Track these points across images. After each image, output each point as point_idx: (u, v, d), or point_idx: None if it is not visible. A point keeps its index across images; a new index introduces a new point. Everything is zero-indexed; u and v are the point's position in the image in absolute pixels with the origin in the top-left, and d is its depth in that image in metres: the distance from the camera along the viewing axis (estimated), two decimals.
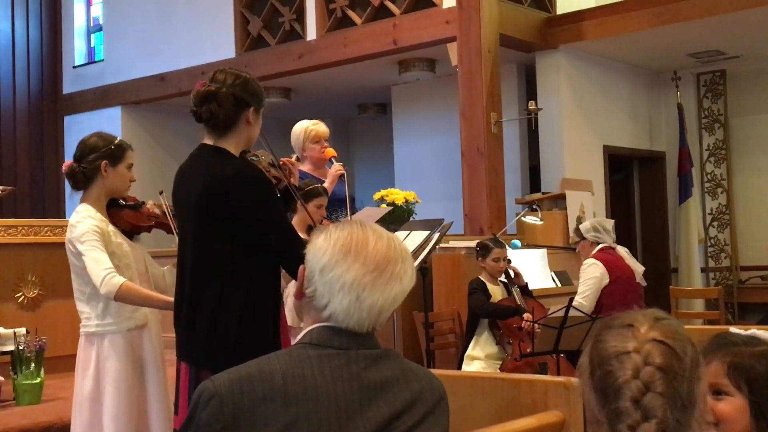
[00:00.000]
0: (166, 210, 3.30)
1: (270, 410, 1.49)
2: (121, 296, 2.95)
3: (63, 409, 3.88)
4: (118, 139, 3.24)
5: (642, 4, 7.43)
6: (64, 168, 3.21)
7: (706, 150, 8.95)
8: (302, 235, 3.06)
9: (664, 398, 1.34)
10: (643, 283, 5.48)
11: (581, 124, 8.23)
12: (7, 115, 10.65)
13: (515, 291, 5.03)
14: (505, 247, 5.19)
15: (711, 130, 8.95)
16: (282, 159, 3.02)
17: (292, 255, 2.54)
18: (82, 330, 3.13)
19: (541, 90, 8.04)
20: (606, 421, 1.37)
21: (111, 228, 3.13)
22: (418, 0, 7.89)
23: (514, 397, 2.12)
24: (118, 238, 3.13)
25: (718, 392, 1.70)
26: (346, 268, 1.57)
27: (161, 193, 3.34)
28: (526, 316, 4.80)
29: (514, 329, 4.85)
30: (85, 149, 3.17)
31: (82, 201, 3.19)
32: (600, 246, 5.37)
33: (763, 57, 8.47)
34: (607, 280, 5.22)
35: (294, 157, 4.58)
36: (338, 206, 4.56)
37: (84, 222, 3.05)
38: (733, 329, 1.91)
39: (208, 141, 2.71)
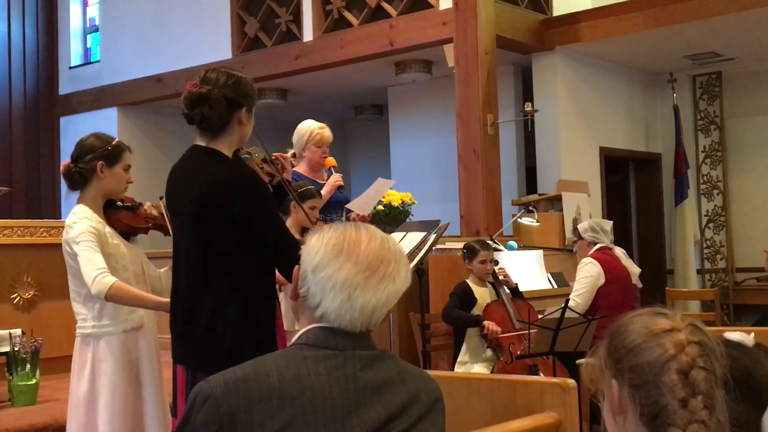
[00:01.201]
0: (163, 211, 3.29)
1: (266, 411, 1.49)
2: (112, 296, 2.92)
3: (58, 410, 3.87)
4: (116, 140, 3.22)
5: (638, 6, 7.45)
6: (61, 168, 3.20)
7: (702, 152, 8.96)
8: (296, 237, 3.05)
9: (708, 374, 1.34)
10: (639, 285, 5.48)
11: (577, 126, 8.24)
12: (3, 116, 10.64)
13: (503, 292, 5.01)
14: (492, 249, 5.15)
15: (707, 131, 8.96)
16: (275, 154, 3.01)
17: (287, 256, 2.53)
18: (78, 331, 3.11)
19: (538, 92, 8.05)
20: (640, 405, 1.33)
21: (108, 229, 3.11)
22: (414, 1, 7.89)
23: (510, 398, 2.12)
24: (114, 239, 3.12)
25: None
26: (337, 268, 1.57)
27: (162, 198, 3.33)
28: (486, 323, 4.77)
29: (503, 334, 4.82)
30: (82, 149, 3.15)
31: (78, 202, 3.17)
32: (597, 246, 5.38)
33: (759, 59, 8.49)
34: (603, 280, 5.21)
35: (291, 153, 4.59)
36: (334, 208, 4.56)
37: (80, 223, 3.04)
38: (729, 335, 1.88)
39: (201, 142, 2.68)
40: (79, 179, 3.14)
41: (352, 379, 1.55)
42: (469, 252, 5.03)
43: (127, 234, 3.24)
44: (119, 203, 3.26)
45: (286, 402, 1.49)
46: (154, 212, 3.31)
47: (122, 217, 3.22)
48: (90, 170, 3.12)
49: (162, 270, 3.36)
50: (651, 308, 1.44)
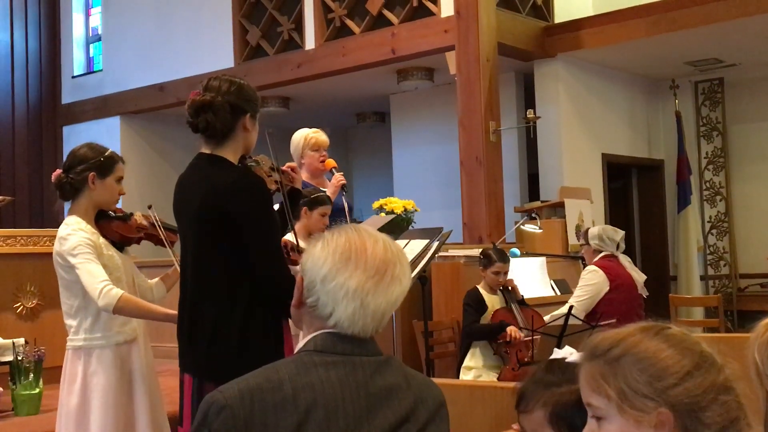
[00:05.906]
0: (154, 221, 3.27)
1: (281, 419, 1.48)
2: (120, 309, 2.88)
3: None
4: (109, 150, 3.16)
5: (639, 12, 7.45)
6: (52, 177, 3.14)
7: (705, 158, 8.96)
8: (302, 242, 3.04)
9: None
10: (645, 294, 5.43)
11: (580, 133, 8.24)
12: (6, 125, 10.66)
13: (513, 305, 5.02)
14: (509, 261, 5.15)
15: (709, 137, 8.96)
16: (287, 164, 3.02)
17: (271, 282, 2.53)
18: (68, 344, 3.06)
19: (540, 98, 8.06)
20: (704, 425, 1.32)
21: (102, 240, 3.07)
22: (416, 9, 7.91)
23: (513, 405, 2.12)
24: (109, 250, 3.07)
25: None
26: (348, 276, 1.57)
27: (150, 207, 3.32)
28: (509, 329, 4.78)
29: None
30: (74, 160, 3.10)
31: (70, 213, 3.12)
32: (602, 254, 5.36)
33: (761, 64, 8.49)
34: (606, 288, 5.19)
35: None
36: (338, 216, 4.55)
37: (75, 234, 2.99)
38: (559, 353, 1.73)
39: (206, 150, 2.68)
40: (70, 190, 3.10)
41: (363, 385, 1.55)
42: (486, 259, 5.05)
43: (120, 244, 3.20)
44: (111, 213, 3.21)
45: (300, 409, 1.49)
46: (145, 222, 3.28)
47: (115, 227, 3.18)
48: (81, 181, 3.07)
49: (153, 281, 3.32)
50: (641, 325, 1.39)
